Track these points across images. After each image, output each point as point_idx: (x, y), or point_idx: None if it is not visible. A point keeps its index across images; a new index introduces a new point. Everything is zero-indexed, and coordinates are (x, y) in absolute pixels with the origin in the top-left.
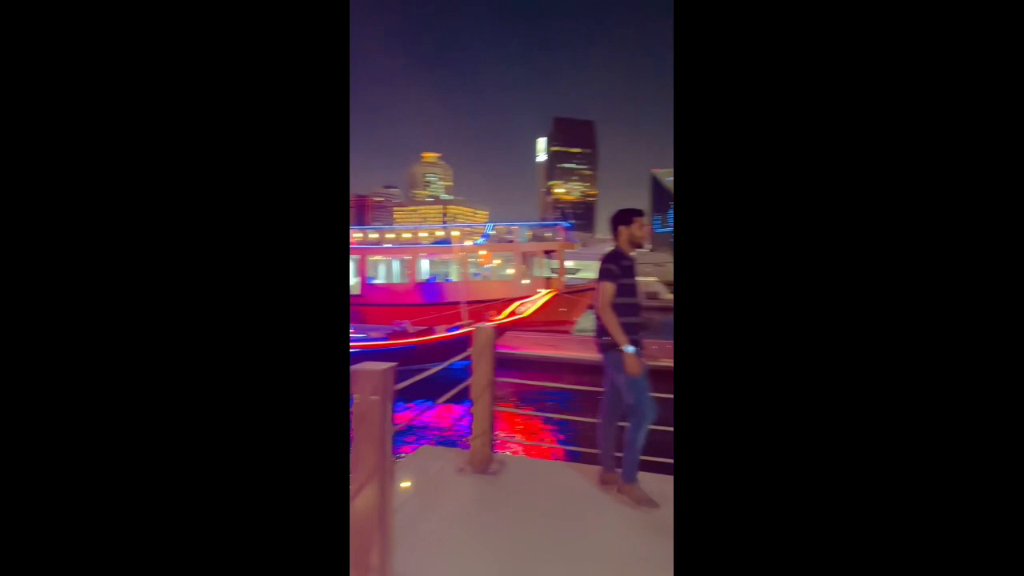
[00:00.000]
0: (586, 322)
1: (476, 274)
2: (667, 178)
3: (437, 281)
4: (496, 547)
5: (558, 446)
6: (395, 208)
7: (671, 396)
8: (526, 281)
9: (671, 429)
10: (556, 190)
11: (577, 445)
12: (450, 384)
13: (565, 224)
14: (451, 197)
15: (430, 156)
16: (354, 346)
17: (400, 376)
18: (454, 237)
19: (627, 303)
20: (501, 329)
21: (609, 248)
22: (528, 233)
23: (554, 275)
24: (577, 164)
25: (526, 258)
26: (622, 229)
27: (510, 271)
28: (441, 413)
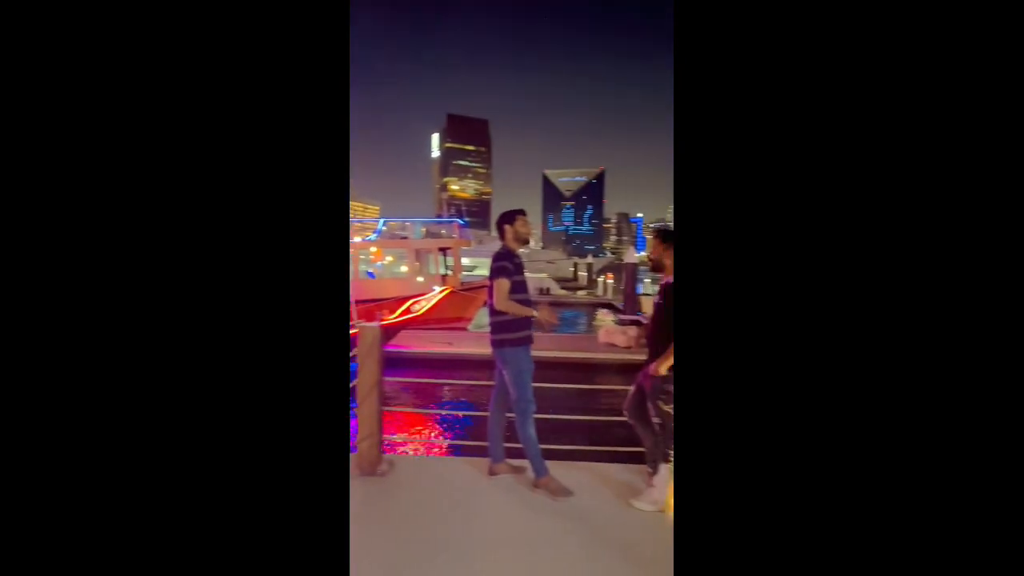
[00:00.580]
0: (483, 318)
1: (368, 272)
2: (559, 179)
3: None
4: (383, 547)
5: (452, 442)
6: None
7: (570, 386)
8: (420, 279)
9: (578, 418)
10: (452, 187)
11: (471, 440)
12: None
13: (460, 221)
14: None
15: None
16: None
17: None
18: None
19: (519, 299)
20: (395, 328)
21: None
22: (423, 230)
23: (449, 272)
24: (471, 162)
25: (420, 255)
26: (507, 228)
27: (403, 269)
28: None
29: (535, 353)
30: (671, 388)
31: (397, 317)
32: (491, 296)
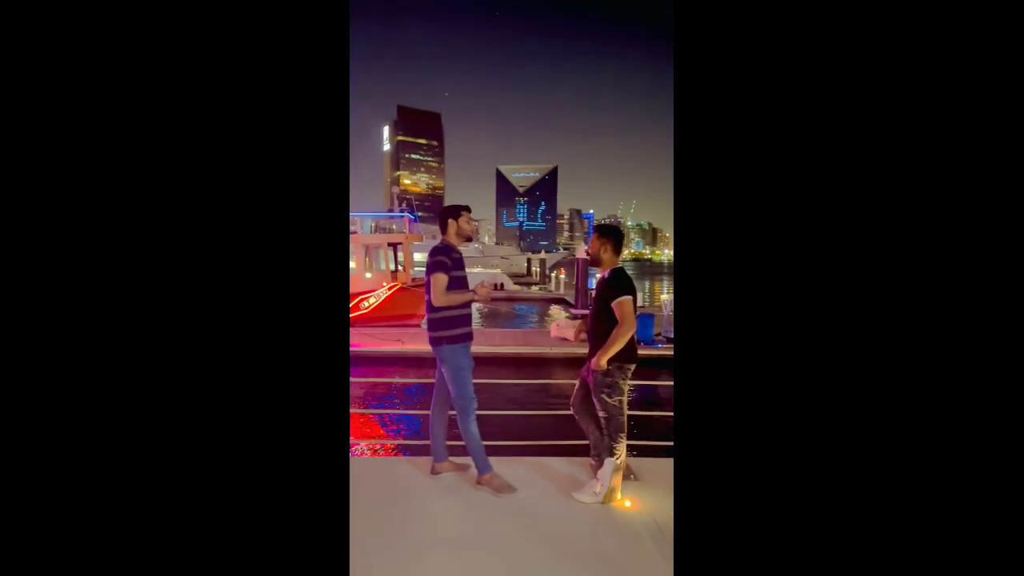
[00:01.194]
0: None
1: None
2: (512, 174)
3: None
4: None
5: (397, 442)
6: None
7: (525, 382)
8: (368, 275)
9: (523, 413)
10: (404, 181)
11: (418, 439)
12: None
13: (411, 216)
14: None
15: None
16: None
17: None
18: None
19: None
20: None
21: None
22: (372, 224)
23: (400, 268)
24: (424, 156)
25: (370, 251)
26: (450, 222)
27: (352, 264)
28: None
29: (490, 349)
30: (612, 381)
31: None
32: (428, 292)
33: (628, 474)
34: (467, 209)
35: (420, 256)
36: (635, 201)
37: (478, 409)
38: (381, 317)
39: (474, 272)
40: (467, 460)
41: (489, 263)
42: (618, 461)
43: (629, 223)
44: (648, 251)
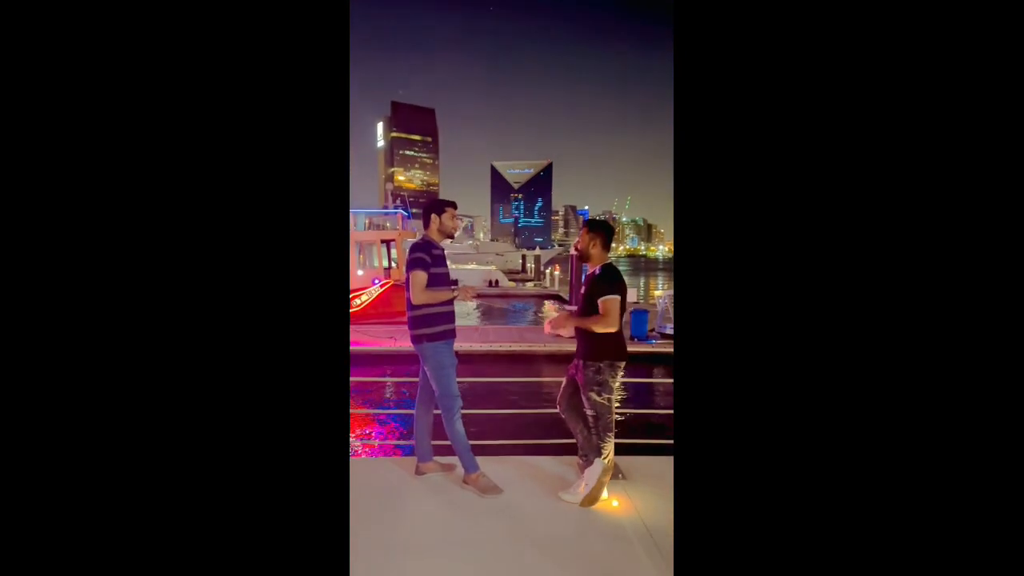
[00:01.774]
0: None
1: None
2: (508, 170)
3: None
4: None
5: (383, 442)
6: None
7: (513, 379)
8: (360, 272)
9: (508, 412)
10: (398, 177)
11: (409, 439)
12: None
13: (405, 213)
14: None
15: None
16: None
17: None
18: None
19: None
20: None
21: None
22: (366, 221)
23: (393, 265)
24: (418, 152)
25: (363, 248)
26: (433, 217)
27: None
28: None
29: (483, 346)
30: (601, 379)
31: None
32: (407, 289)
33: (617, 473)
34: (452, 205)
35: None
36: (630, 197)
37: (463, 408)
38: (373, 314)
39: (468, 268)
40: (453, 460)
41: (484, 260)
42: (606, 461)
43: (624, 219)
44: (643, 247)
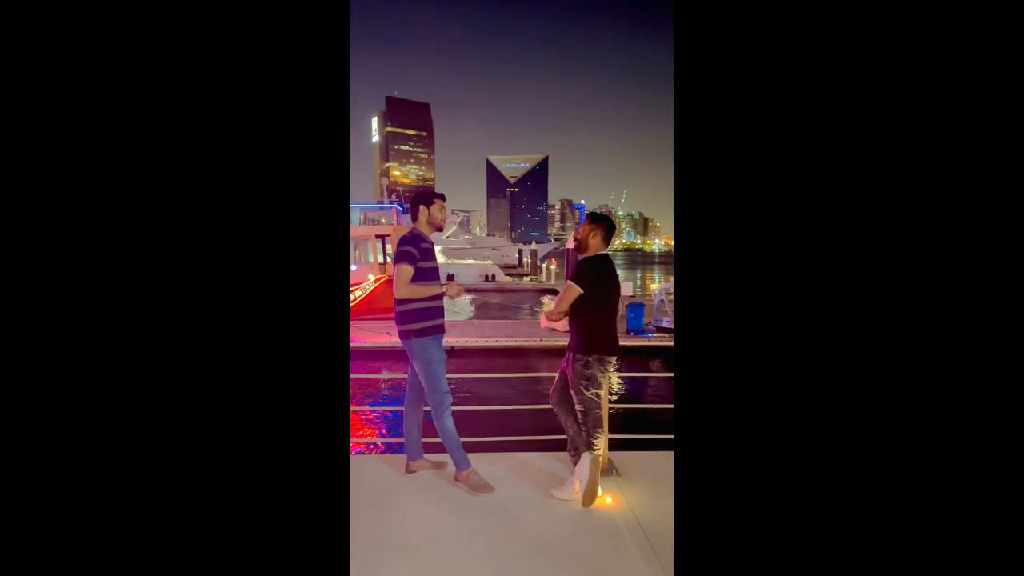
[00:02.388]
0: None
1: None
2: (503, 165)
3: None
4: None
5: (371, 440)
6: None
7: (507, 375)
8: (355, 267)
9: (500, 408)
10: (393, 172)
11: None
12: None
13: (399, 207)
14: None
15: None
16: None
17: None
18: None
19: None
20: None
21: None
22: (360, 216)
23: (388, 261)
24: (413, 147)
25: (357, 243)
26: (422, 209)
27: None
28: None
29: (480, 341)
30: (590, 373)
31: None
32: (392, 283)
33: (610, 469)
34: (441, 197)
35: None
36: (626, 191)
37: (453, 404)
38: (367, 310)
39: (465, 263)
40: (444, 457)
41: (480, 254)
42: (596, 453)
43: (620, 213)
44: (639, 241)
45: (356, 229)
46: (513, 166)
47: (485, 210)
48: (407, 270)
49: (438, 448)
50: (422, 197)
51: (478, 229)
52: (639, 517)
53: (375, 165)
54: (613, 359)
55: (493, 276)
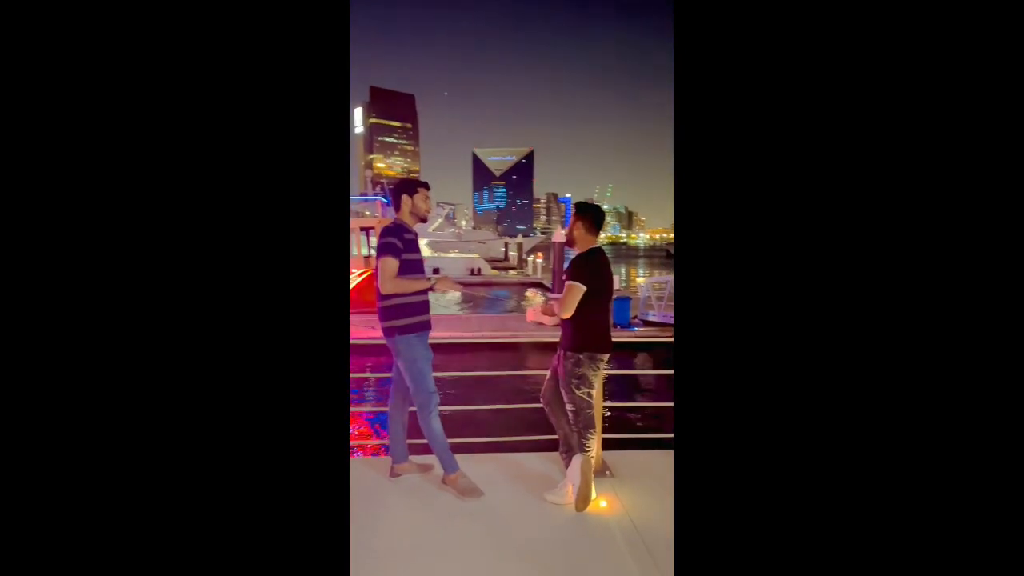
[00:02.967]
0: None
1: None
2: (488, 157)
3: None
4: None
5: (358, 443)
6: None
7: (497, 373)
8: None
9: (489, 407)
10: (378, 164)
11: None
12: None
13: (384, 199)
14: None
15: None
16: None
17: None
18: None
19: (410, 279)
20: None
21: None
22: None
23: (372, 253)
24: (398, 138)
25: None
26: (405, 199)
27: None
28: None
29: (464, 336)
30: (581, 372)
31: None
32: (376, 277)
33: (604, 470)
34: (425, 186)
35: None
36: (611, 185)
37: (440, 404)
38: (352, 304)
39: (451, 257)
40: (431, 459)
41: (466, 248)
42: (589, 455)
43: (605, 207)
44: (624, 235)
45: None
46: (499, 159)
47: (471, 203)
48: (391, 263)
49: (425, 449)
50: (405, 186)
51: (464, 222)
52: (635, 522)
53: (359, 157)
54: (605, 357)
55: (479, 270)
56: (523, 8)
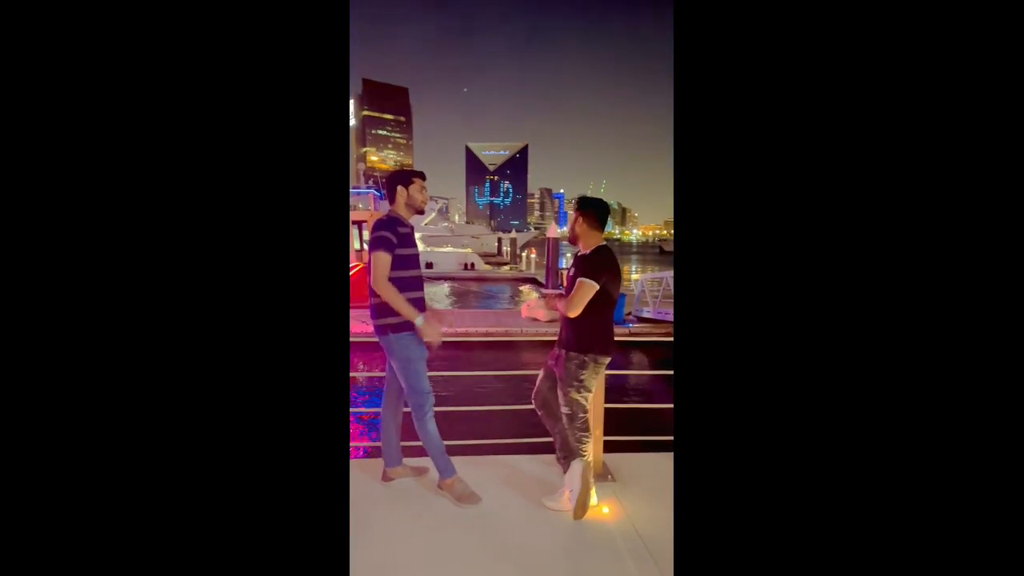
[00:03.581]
0: None
1: None
2: (482, 152)
3: None
4: None
5: (362, 443)
6: None
7: (492, 373)
8: None
9: (486, 408)
10: (371, 158)
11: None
12: None
13: (377, 193)
14: None
15: None
16: None
17: None
18: None
19: (408, 277)
20: None
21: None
22: None
23: (364, 248)
24: (391, 131)
25: None
26: (400, 190)
27: None
28: None
29: (458, 333)
30: (583, 375)
31: None
32: (369, 272)
33: (605, 474)
34: (420, 176)
35: None
36: (605, 181)
37: (436, 405)
38: None
39: (444, 251)
40: (426, 462)
41: (460, 242)
42: (587, 460)
43: None
44: (617, 231)
45: None
46: (493, 153)
47: (464, 197)
48: (384, 258)
49: (419, 452)
50: (400, 176)
51: (457, 216)
52: (639, 529)
53: (352, 149)
54: (607, 360)
55: (472, 264)
56: (520, 2)
